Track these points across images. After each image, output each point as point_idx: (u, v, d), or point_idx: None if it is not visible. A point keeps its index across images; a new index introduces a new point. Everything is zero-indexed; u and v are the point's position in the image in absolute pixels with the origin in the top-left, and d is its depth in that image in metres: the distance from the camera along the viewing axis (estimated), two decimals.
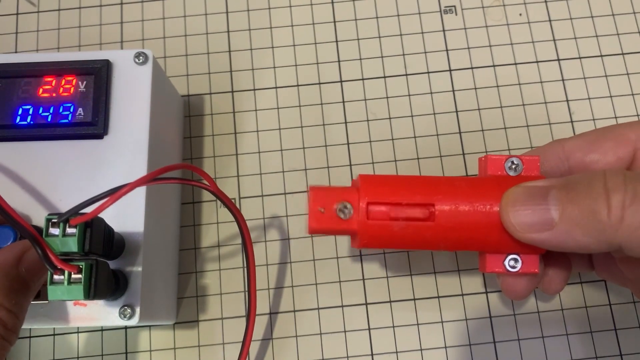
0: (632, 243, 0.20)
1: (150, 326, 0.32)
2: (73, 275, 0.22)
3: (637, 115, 0.34)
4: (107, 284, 0.24)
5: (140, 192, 0.27)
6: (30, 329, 0.31)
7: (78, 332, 0.32)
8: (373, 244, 0.24)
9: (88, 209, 0.22)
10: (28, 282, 0.23)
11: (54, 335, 0.31)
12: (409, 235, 0.23)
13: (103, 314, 0.26)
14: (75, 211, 0.22)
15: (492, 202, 0.23)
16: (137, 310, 0.26)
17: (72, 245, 0.22)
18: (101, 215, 0.22)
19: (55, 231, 0.22)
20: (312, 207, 0.23)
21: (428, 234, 0.23)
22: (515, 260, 0.24)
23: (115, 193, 0.21)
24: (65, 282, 0.22)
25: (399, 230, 0.23)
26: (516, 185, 0.23)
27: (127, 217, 0.26)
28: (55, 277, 0.22)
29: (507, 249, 0.24)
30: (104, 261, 0.24)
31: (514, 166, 0.24)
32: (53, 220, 0.22)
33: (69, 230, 0.22)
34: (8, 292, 0.22)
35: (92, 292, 0.22)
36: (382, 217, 0.23)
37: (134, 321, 0.25)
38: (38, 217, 0.26)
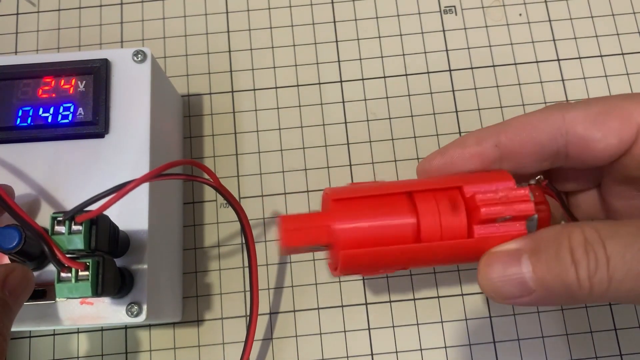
0: (606, 301, 0.20)
1: (150, 326, 0.32)
2: (80, 273, 0.22)
3: None
4: (113, 280, 0.24)
5: (144, 190, 0.27)
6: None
7: (78, 332, 0.32)
8: (353, 271, 0.22)
9: (93, 206, 0.22)
10: (11, 305, 0.22)
11: (54, 335, 0.31)
12: (390, 261, 0.22)
13: (110, 312, 0.25)
14: (80, 208, 0.22)
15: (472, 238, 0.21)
16: (144, 307, 0.25)
17: (79, 243, 0.22)
18: (105, 213, 0.22)
19: (61, 229, 0.22)
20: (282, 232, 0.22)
21: (411, 257, 0.22)
22: None
23: (121, 189, 0.21)
24: (73, 280, 0.22)
25: (378, 256, 0.21)
26: (488, 253, 0.21)
27: (130, 215, 0.26)
28: (63, 274, 0.22)
29: None
30: (110, 258, 0.24)
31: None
32: (59, 219, 0.22)
33: (75, 228, 0.22)
34: None
35: (100, 288, 0.23)
36: (359, 244, 0.21)
37: (141, 318, 0.25)
38: (42, 218, 0.26)
